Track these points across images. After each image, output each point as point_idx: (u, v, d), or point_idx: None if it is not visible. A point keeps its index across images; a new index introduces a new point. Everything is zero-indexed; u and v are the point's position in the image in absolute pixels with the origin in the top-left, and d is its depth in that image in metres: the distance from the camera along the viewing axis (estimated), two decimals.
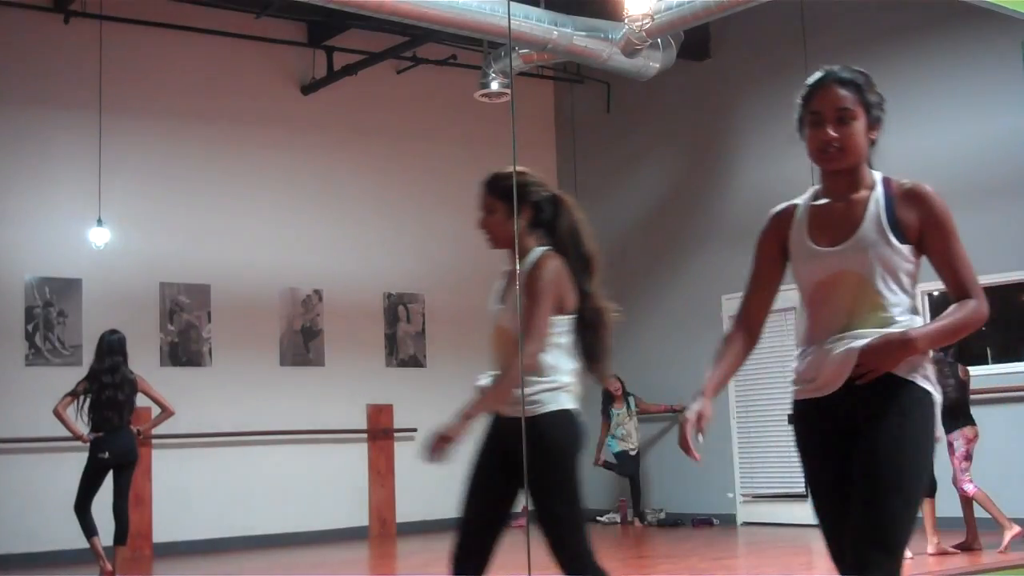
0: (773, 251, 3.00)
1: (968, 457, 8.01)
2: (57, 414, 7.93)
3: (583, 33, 9.69)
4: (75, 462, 8.30)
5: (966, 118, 9.95)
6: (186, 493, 10.59)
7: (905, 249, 2.82)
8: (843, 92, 2.85)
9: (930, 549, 7.93)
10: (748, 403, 11.23)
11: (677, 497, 11.78)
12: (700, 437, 2.87)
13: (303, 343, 11.57)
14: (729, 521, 11.28)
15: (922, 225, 2.83)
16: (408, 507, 11.65)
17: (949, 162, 9.97)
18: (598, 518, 12.19)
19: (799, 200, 3.00)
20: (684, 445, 2.87)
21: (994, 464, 8.43)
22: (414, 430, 11.69)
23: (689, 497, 11.66)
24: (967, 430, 8.02)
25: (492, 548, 3.66)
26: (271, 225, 11.38)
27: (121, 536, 7.97)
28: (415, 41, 11.32)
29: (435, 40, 11.27)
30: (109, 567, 7.83)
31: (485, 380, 3.68)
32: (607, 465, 11.83)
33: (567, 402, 3.66)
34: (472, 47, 11.48)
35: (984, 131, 9.82)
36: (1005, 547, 7.87)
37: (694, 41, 11.05)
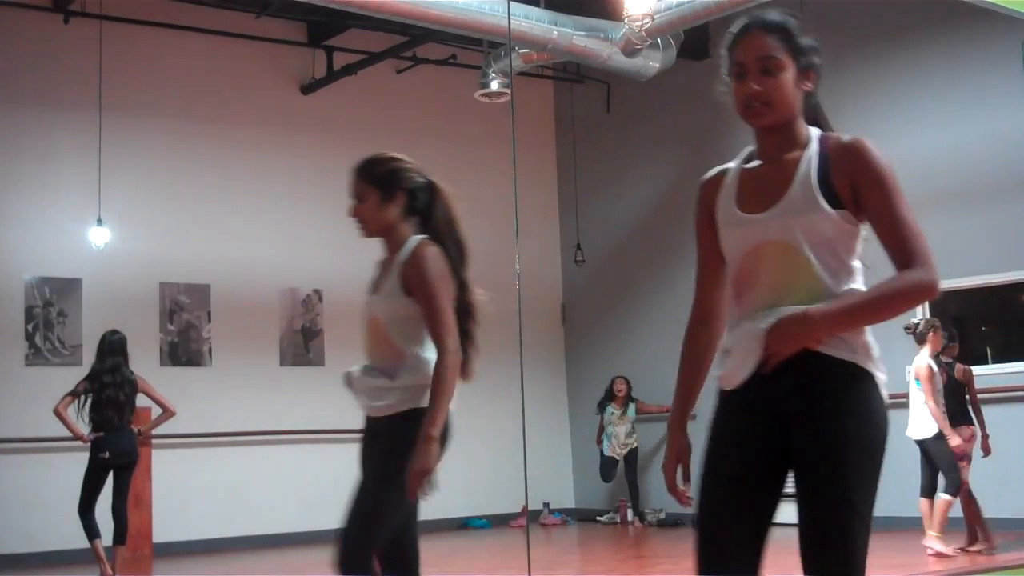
0: (710, 222, 2.69)
1: (963, 458, 8.01)
2: (58, 414, 7.92)
3: (583, 33, 9.69)
4: (75, 462, 8.30)
5: (966, 118, 9.95)
6: (186, 493, 10.59)
7: (838, 214, 2.46)
8: (768, 40, 2.54)
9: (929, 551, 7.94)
10: None
11: None
12: (685, 483, 2.68)
13: (303, 343, 11.57)
14: None
15: (856, 183, 2.47)
16: None
17: (949, 162, 9.97)
18: (598, 518, 12.20)
19: (732, 163, 2.70)
20: (672, 492, 2.73)
21: (994, 464, 8.43)
22: None
23: None
24: (963, 430, 8.02)
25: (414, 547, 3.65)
26: (271, 225, 11.38)
27: (120, 536, 7.96)
28: (415, 41, 11.32)
29: (435, 40, 11.27)
30: (110, 571, 7.82)
31: (356, 371, 3.52)
32: (601, 456, 11.89)
33: None
34: (472, 47, 11.48)
35: (984, 131, 9.82)
36: (965, 547, 7.89)
37: (694, 41, 11.05)
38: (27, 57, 10.39)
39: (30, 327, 10.19)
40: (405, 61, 12.03)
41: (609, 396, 11.87)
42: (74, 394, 7.98)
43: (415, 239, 3.55)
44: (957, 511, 8.13)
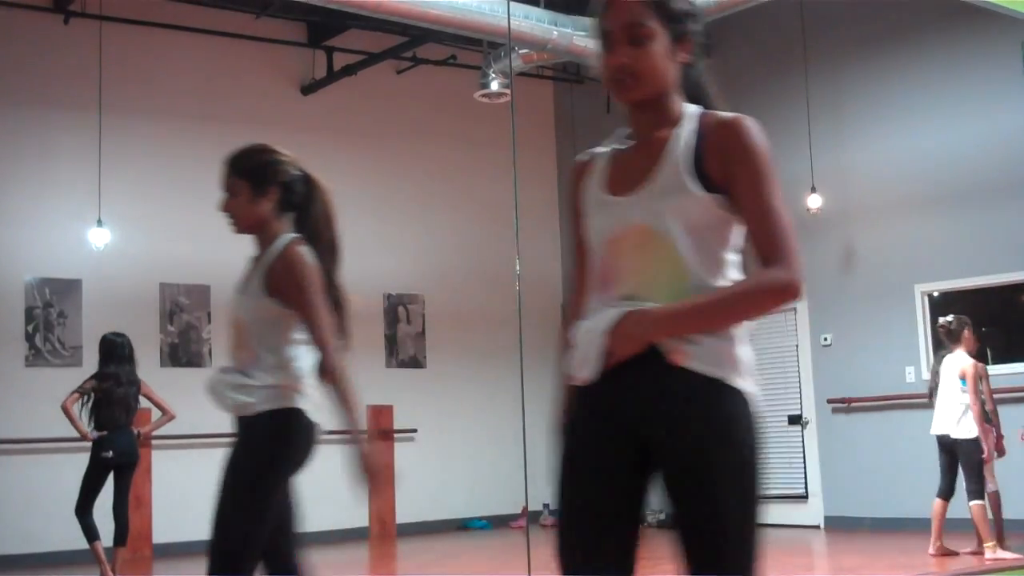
0: (580, 212, 2.43)
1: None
2: (65, 410, 7.91)
3: (583, 33, 9.69)
4: (75, 462, 8.29)
5: (966, 118, 9.95)
6: (186, 493, 10.57)
7: (710, 198, 2.21)
8: (635, 5, 2.27)
9: (931, 550, 7.91)
10: None
11: None
12: None
13: None
14: None
15: (727, 165, 2.21)
16: (407, 507, 11.64)
17: (949, 162, 9.97)
18: None
19: (605, 145, 2.46)
20: None
21: (994, 464, 8.42)
22: (414, 430, 11.68)
23: None
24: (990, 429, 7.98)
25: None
26: None
27: (121, 537, 7.96)
28: (415, 41, 11.32)
29: (435, 40, 11.27)
30: (111, 572, 7.81)
31: (227, 375, 3.39)
32: None
33: (299, 402, 3.34)
34: (472, 47, 11.48)
35: (984, 131, 9.82)
36: (973, 552, 7.85)
37: None
38: (27, 57, 10.39)
39: (30, 328, 10.18)
40: (405, 61, 12.03)
41: None
42: (81, 391, 7.99)
43: (285, 238, 3.40)
44: (965, 512, 8.08)
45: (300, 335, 3.36)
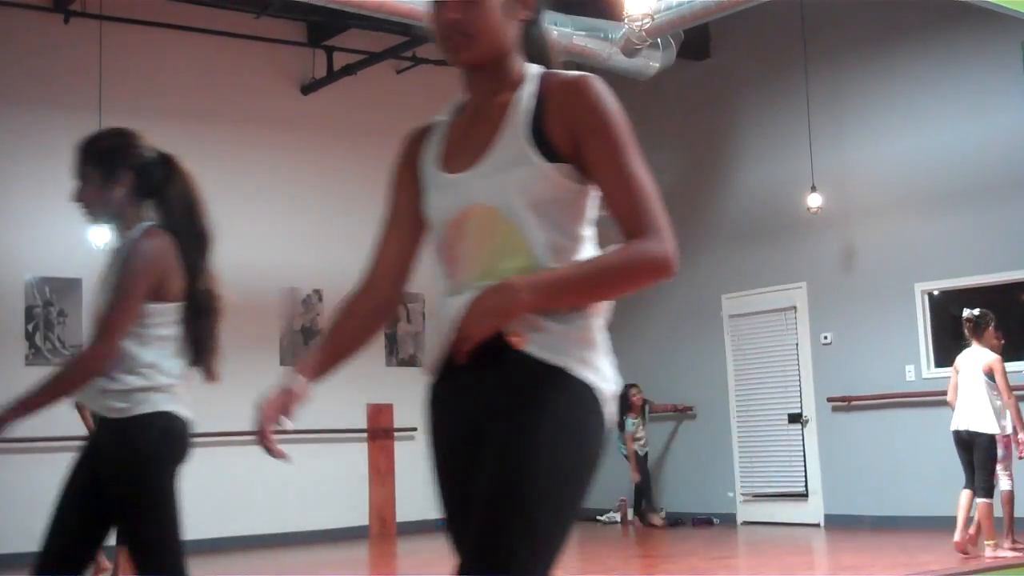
0: (409, 181, 2.25)
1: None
2: (79, 408, 7.90)
3: (583, 33, 9.69)
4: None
5: (966, 118, 9.96)
6: (186, 493, 10.53)
7: (555, 169, 1.97)
8: None
9: (956, 538, 7.85)
10: (748, 403, 11.23)
11: (677, 497, 11.78)
12: (288, 423, 2.24)
13: (303, 343, 11.57)
14: (729, 521, 11.28)
15: (576, 131, 1.97)
16: (408, 507, 11.65)
17: (949, 162, 9.98)
18: (598, 518, 12.18)
19: (442, 114, 2.22)
20: (263, 440, 2.24)
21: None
22: (414, 429, 11.68)
23: (689, 497, 11.66)
24: None
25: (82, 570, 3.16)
26: (271, 225, 11.38)
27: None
28: (415, 41, 11.32)
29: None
30: (107, 564, 7.84)
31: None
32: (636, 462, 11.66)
33: (164, 403, 3.14)
34: None
35: (984, 131, 9.83)
36: (983, 550, 7.80)
37: (694, 41, 11.06)
38: (27, 57, 10.39)
39: (30, 327, 10.19)
40: (405, 61, 12.03)
41: (625, 406, 11.57)
42: None
43: (141, 227, 3.17)
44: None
45: (163, 331, 3.18)
